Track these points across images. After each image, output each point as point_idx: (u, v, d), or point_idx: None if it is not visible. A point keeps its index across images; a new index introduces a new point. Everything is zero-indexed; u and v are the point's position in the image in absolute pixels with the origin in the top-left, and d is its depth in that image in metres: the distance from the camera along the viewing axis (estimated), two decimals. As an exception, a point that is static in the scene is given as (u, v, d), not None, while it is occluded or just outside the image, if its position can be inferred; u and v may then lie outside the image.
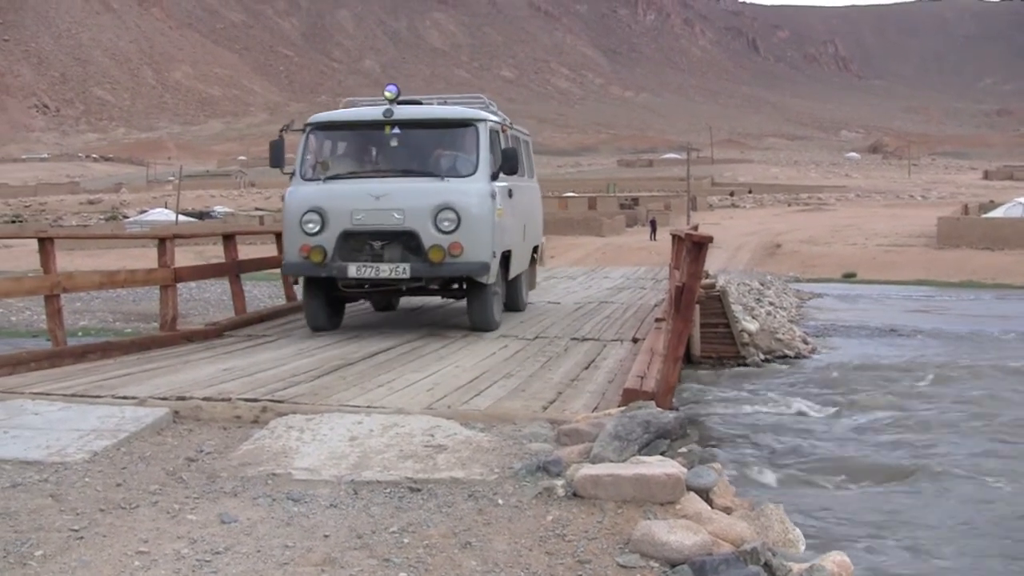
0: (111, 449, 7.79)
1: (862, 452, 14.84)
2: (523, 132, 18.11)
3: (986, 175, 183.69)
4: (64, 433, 8.10)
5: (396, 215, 13.80)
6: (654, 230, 76.02)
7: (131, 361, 12.27)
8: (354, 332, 14.89)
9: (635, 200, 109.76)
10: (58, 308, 12.81)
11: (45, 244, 12.83)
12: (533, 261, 18.83)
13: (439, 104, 16.14)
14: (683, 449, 7.82)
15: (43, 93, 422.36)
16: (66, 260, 17.68)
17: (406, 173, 14.53)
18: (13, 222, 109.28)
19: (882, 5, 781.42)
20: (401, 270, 13.78)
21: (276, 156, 15.38)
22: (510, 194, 15.22)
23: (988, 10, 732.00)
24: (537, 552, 5.74)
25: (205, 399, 9.32)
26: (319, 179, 14.59)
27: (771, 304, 34.19)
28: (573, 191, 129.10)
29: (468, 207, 13.85)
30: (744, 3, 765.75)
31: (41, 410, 8.86)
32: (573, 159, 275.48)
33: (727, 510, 6.82)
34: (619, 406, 8.74)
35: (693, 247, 9.14)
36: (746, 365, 24.14)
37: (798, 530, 6.97)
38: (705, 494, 6.77)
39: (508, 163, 14.59)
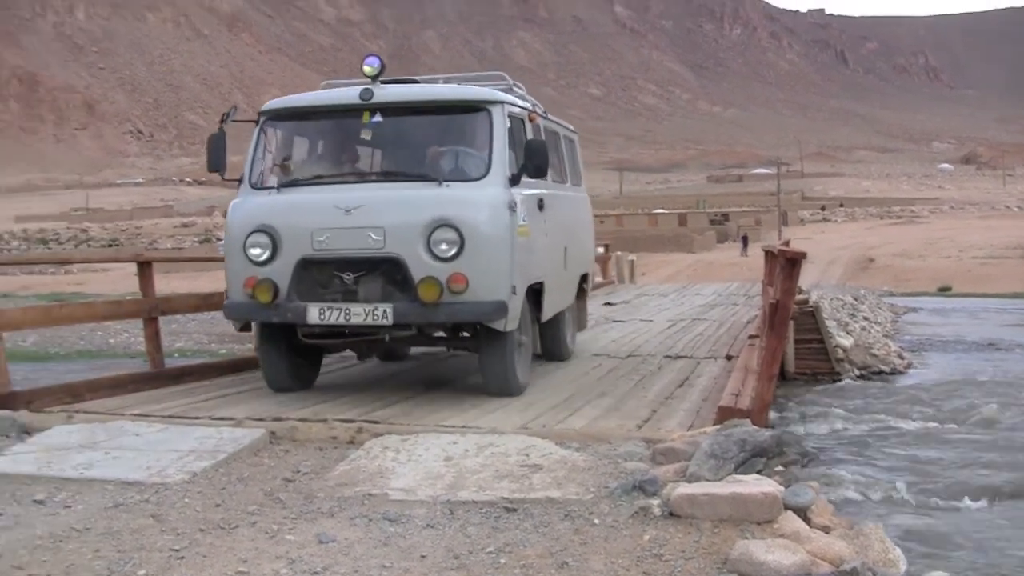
0: (210, 470, 7.87)
1: (962, 469, 14.60)
2: (565, 127, 14.42)
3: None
4: (164, 454, 8.20)
5: (373, 236, 10.00)
6: (745, 245, 75.77)
7: (227, 382, 12.39)
8: (450, 352, 14.88)
9: (725, 216, 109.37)
10: (156, 331, 12.95)
11: (144, 268, 12.98)
12: (582, 292, 14.58)
13: (443, 84, 12.34)
14: (779, 467, 7.75)
15: (137, 119, 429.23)
16: (162, 283, 17.90)
17: (390, 177, 11.01)
18: (110, 246, 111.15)
19: (972, 13, 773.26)
20: (381, 313, 9.99)
21: (214, 155, 11.39)
22: (540, 205, 11.39)
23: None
24: (634, 572, 5.71)
25: (301, 420, 9.37)
26: (273, 187, 10.90)
27: (865, 319, 33.81)
28: (663, 208, 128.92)
29: (475, 223, 10.01)
30: (831, 15, 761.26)
31: (141, 431, 8.97)
32: (662, 175, 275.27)
33: (825, 529, 6.74)
34: (714, 424, 8.68)
35: (786, 263, 9.07)
36: (841, 381, 23.88)
37: (898, 549, 6.86)
38: (803, 513, 6.69)
39: (535, 161, 10.60)
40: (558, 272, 12.54)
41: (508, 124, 10.78)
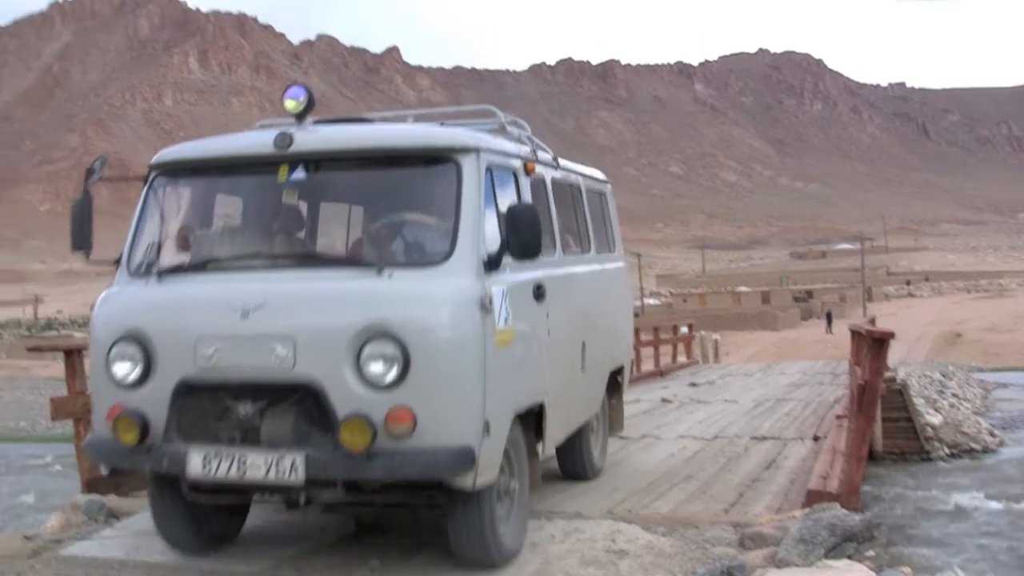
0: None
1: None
2: (591, 176, 11.28)
3: None
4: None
5: (280, 350, 6.96)
6: (830, 323, 75.16)
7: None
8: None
9: (809, 293, 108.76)
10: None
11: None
12: (615, 388, 11.41)
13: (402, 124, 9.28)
14: (870, 552, 7.66)
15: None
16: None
17: (310, 261, 8.04)
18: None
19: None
20: (288, 466, 6.83)
21: (78, 227, 8.28)
22: (540, 293, 8.19)
23: None
24: (725, 660, 5.66)
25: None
26: (152, 275, 7.80)
27: (954, 396, 33.37)
28: (746, 286, 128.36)
29: (427, 331, 6.90)
30: (912, 88, 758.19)
31: (229, 520, 9.02)
32: (744, 253, 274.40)
33: (919, 615, 6.65)
34: (803, 508, 8.61)
35: (874, 343, 9.02)
36: (931, 460, 23.54)
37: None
38: (895, 599, 6.62)
39: (522, 237, 7.32)
40: (571, 380, 9.22)
41: (487, 180, 7.59)
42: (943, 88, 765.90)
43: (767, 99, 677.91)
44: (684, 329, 34.35)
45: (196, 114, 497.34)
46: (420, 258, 7.26)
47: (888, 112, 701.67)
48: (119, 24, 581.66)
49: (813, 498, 8.76)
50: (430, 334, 6.73)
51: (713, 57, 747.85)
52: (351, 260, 7.70)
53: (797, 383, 23.78)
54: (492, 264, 7.22)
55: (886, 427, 23.56)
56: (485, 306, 7.00)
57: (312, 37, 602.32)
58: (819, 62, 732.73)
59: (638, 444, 13.63)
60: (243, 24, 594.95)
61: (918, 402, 26.06)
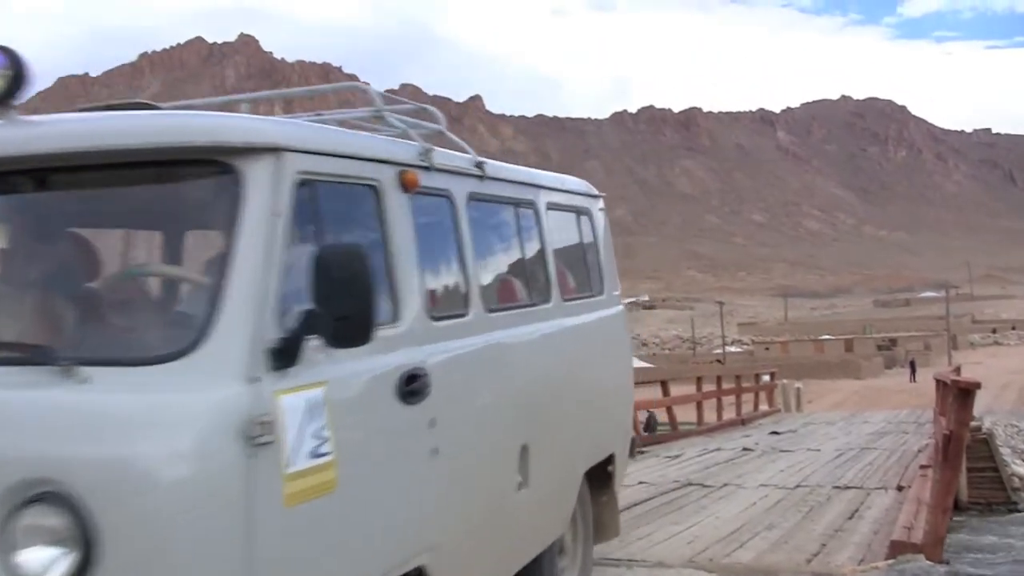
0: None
1: None
2: (564, 190, 8.22)
3: None
4: None
5: None
6: (914, 371, 74.47)
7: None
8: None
9: (892, 341, 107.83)
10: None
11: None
12: (606, 480, 8.14)
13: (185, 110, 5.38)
14: (956, 603, 7.58)
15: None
16: None
17: None
18: None
19: None
20: None
21: None
22: (411, 392, 4.85)
23: None
24: None
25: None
26: None
27: (1042, 446, 32.94)
28: (828, 334, 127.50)
29: (125, 493, 3.51)
30: (998, 134, 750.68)
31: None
32: (828, 301, 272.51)
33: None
34: (886, 559, 8.53)
35: (959, 393, 8.95)
36: (1018, 511, 23.21)
37: None
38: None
39: (339, 303, 3.99)
40: (495, 510, 5.98)
41: (300, 202, 4.32)
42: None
43: (850, 146, 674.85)
44: (766, 377, 34.15)
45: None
46: (143, 347, 4.10)
47: (974, 159, 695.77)
48: (206, 74, 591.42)
49: (897, 549, 8.67)
50: (132, 500, 3.53)
51: (795, 104, 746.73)
52: (27, 349, 4.21)
53: (880, 432, 23.55)
54: (286, 353, 4.00)
55: (971, 477, 23.23)
56: (254, 436, 3.77)
57: (396, 86, 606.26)
58: (903, 108, 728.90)
59: (719, 492, 13.56)
60: (328, 73, 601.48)
61: (1004, 452, 25.68)
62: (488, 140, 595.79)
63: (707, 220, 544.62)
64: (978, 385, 8.87)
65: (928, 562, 7.89)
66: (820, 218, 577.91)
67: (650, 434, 29.32)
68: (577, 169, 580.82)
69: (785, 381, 36.47)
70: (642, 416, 30.63)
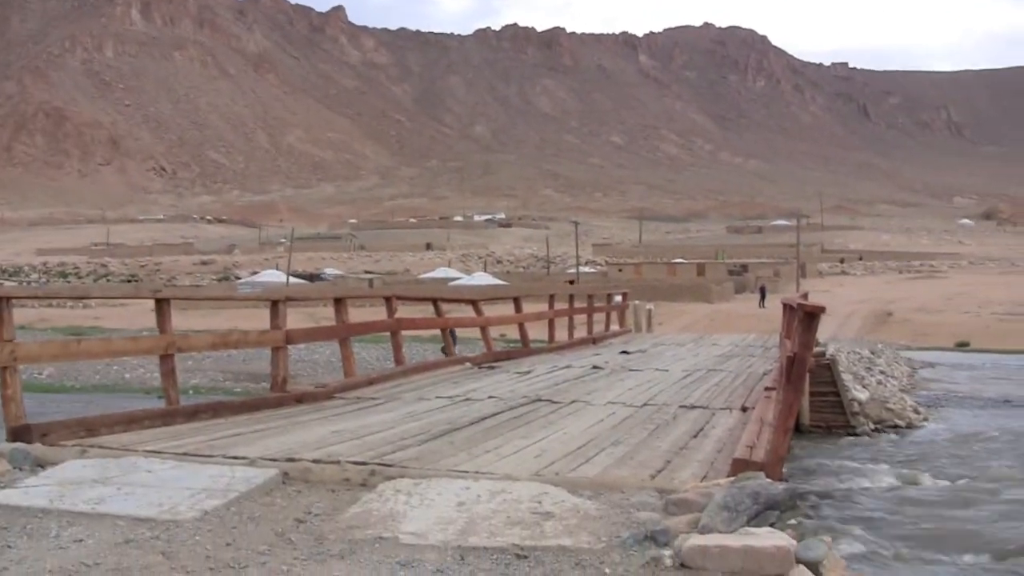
0: (221, 508, 7.84)
1: (975, 526, 14.52)
2: None
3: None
4: (176, 491, 8.19)
5: None
6: (763, 297, 75.69)
7: (242, 421, 12.35)
8: (463, 396, 14.89)
9: (744, 267, 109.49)
10: (172, 367, 12.94)
11: (162, 305, 12.99)
12: None
13: None
14: (792, 521, 7.72)
15: (160, 156, 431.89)
16: (179, 320, 17.97)
17: None
18: (129, 281, 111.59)
19: (995, 70, 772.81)
20: None
21: None
22: None
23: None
24: (645, 622, 5.69)
25: (314, 461, 9.34)
26: None
27: (882, 373, 33.78)
28: (681, 257, 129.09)
29: None
30: (855, 68, 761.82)
31: (154, 468, 8.96)
32: (682, 225, 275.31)
33: (838, 585, 6.71)
34: (728, 476, 8.65)
35: (805, 317, 9.06)
36: (856, 435, 23.82)
37: (910, 607, 6.83)
38: (815, 567, 6.65)
39: None
40: None
41: None
42: (885, 70, 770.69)
43: (710, 73, 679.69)
44: (618, 298, 34.48)
45: (137, 66, 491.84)
46: None
47: (830, 92, 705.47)
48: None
49: (738, 467, 8.79)
50: None
51: (658, 29, 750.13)
52: None
53: (728, 355, 23.94)
54: None
55: (813, 401, 23.82)
56: None
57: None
58: (764, 39, 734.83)
59: (568, 409, 13.68)
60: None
61: (846, 378, 26.34)
62: (349, 52, 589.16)
63: (566, 140, 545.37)
64: (823, 310, 8.99)
65: (768, 480, 8.01)
66: (678, 143, 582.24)
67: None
68: (438, 85, 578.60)
69: (637, 302, 36.85)
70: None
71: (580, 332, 29.36)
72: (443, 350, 31.15)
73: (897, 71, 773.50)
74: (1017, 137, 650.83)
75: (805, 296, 19.48)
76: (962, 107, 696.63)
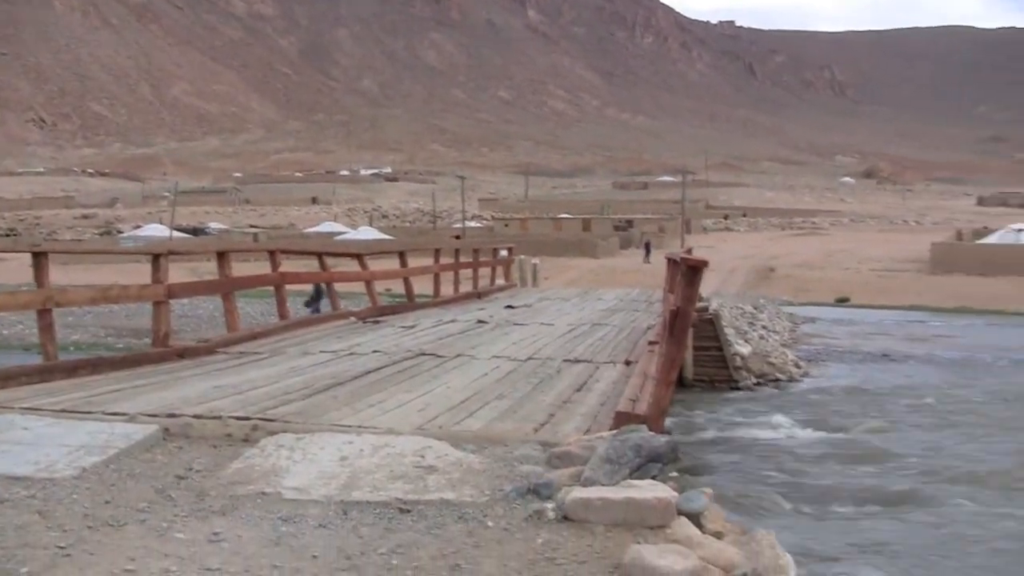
0: (100, 465, 7.72)
1: (853, 477, 14.82)
2: None
3: (980, 202, 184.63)
4: (53, 449, 8.04)
5: None
6: (648, 252, 76.20)
7: (122, 377, 12.15)
8: (347, 351, 14.81)
9: (630, 222, 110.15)
10: (50, 322, 12.73)
11: (40, 258, 12.76)
12: None
13: None
14: (674, 473, 7.78)
15: (40, 107, 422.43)
16: (60, 274, 17.63)
17: None
18: (8, 235, 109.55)
19: (879, 31, 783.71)
20: None
21: None
22: None
23: (984, 38, 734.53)
24: (526, 575, 5.69)
25: (195, 417, 9.25)
26: None
27: (764, 328, 34.25)
28: (568, 213, 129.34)
29: None
30: (741, 27, 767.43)
31: (31, 425, 8.79)
32: (568, 180, 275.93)
33: (718, 535, 6.76)
34: (611, 429, 8.66)
35: (688, 271, 9.10)
36: (738, 389, 24.18)
37: (789, 556, 6.91)
38: (696, 519, 6.72)
39: None
40: None
41: None
42: (771, 30, 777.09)
43: (599, 30, 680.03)
44: (504, 253, 34.50)
45: (14, 15, 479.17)
46: None
47: (717, 50, 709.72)
48: None
49: (621, 420, 8.83)
50: None
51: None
52: None
53: (613, 309, 24.06)
54: None
55: (697, 355, 24.12)
56: None
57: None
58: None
59: (452, 363, 13.68)
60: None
61: (729, 332, 26.70)
62: (235, 3, 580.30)
63: (453, 95, 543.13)
64: (705, 264, 9.04)
65: (650, 433, 8.06)
66: (565, 99, 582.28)
67: (314, 305, 29.64)
68: (325, 38, 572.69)
69: (522, 257, 36.92)
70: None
71: (466, 287, 29.36)
72: (307, 303, 31.11)
73: (783, 31, 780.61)
74: (898, 97, 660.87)
75: (689, 251, 19.64)
76: (846, 67, 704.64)
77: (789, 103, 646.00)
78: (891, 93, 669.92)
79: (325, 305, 29.66)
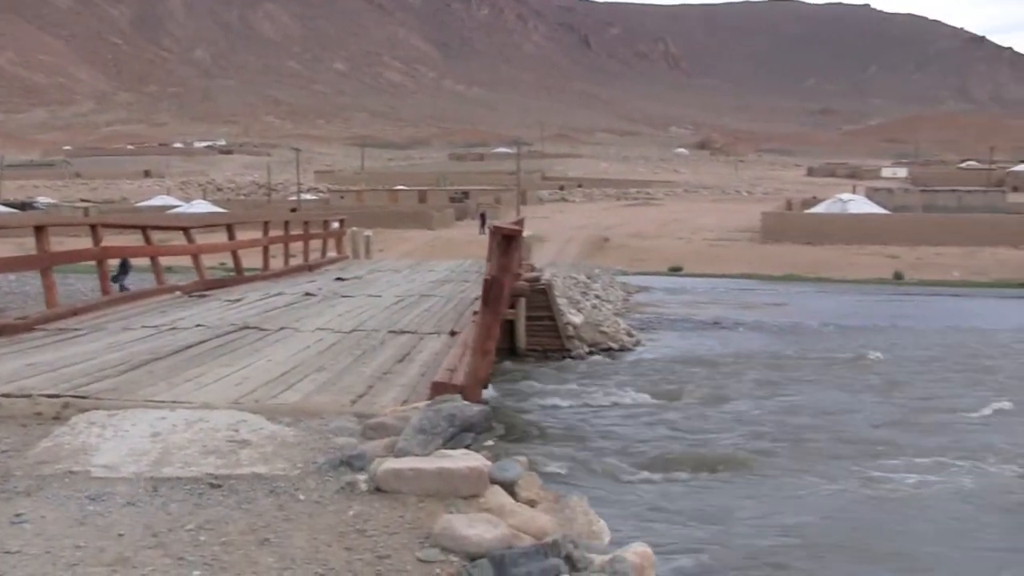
0: (-101, 447, 7.52)
1: (678, 443, 15.05)
2: None
3: (809, 172, 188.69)
4: None
5: None
6: (483, 223, 76.37)
7: (-70, 354, 11.83)
8: (168, 326, 14.58)
9: (465, 194, 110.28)
10: None
11: None
12: None
13: None
14: (489, 442, 7.82)
15: None
16: None
17: None
18: None
19: (711, 5, 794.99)
20: None
21: None
22: None
23: (812, 13, 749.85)
24: (336, 548, 5.68)
25: (4, 396, 9.03)
26: None
27: (597, 297, 34.56)
28: (404, 185, 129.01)
29: None
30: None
31: None
32: (404, 152, 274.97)
33: (532, 503, 6.82)
34: (428, 400, 8.70)
35: (503, 240, 9.14)
36: (571, 358, 24.39)
37: (603, 521, 7.00)
38: (509, 487, 6.76)
39: None
40: None
41: None
42: (606, 2, 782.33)
43: (435, 2, 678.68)
44: (335, 224, 34.30)
45: None
46: None
47: (553, 22, 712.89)
48: None
49: (438, 390, 8.86)
50: None
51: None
52: None
53: (443, 280, 24.06)
54: None
55: (530, 325, 24.29)
56: None
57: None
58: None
59: (275, 336, 13.57)
60: None
61: (561, 302, 26.89)
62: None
63: (289, 66, 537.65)
64: (519, 232, 9.10)
65: (465, 402, 8.09)
66: (402, 70, 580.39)
67: (121, 279, 29.29)
68: (157, 7, 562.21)
69: (355, 229, 36.74)
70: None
71: (296, 260, 29.18)
72: (114, 279, 30.58)
73: (618, 3, 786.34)
74: (730, 70, 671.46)
75: (521, 222, 19.72)
76: (679, 40, 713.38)
77: (624, 75, 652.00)
78: (724, 66, 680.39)
79: (131, 280, 29.27)
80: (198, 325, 14.64)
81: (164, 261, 22.18)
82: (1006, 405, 19.31)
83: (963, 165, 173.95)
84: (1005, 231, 65.64)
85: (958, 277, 55.37)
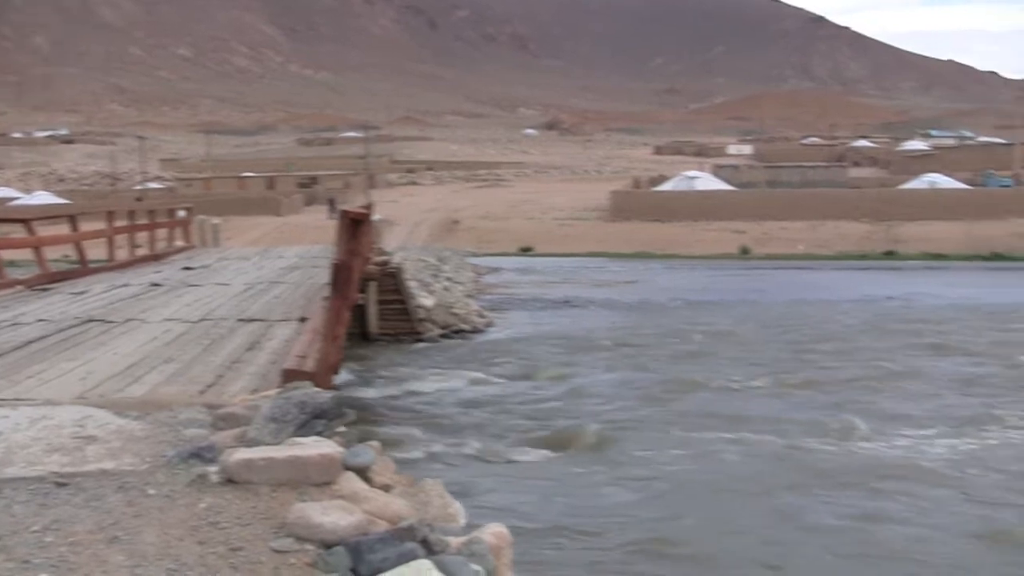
0: None
1: (531, 422, 15.14)
2: None
3: (657, 150, 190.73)
4: None
5: None
6: (332, 208, 76.02)
7: None
8: (9, 321, 14.21)
9: (314, 179, 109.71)
10: None
11: None
12: None
13: None
14: (341, 428, 7.76)
15: None
16: None
17: None
18: None
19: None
20: None
21: None
22: None
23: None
24: (188, 542, 5.60)
25: None
26: None
27: (448, 279, 34.58)
28: (251, 171, 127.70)
29: None
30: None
31: None
32: (252, 138, 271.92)
33: (386, 488, 6.81)
34: (278, 388, 8.61)
35: (349, 224, 9.10)
36: (424, 341, 24.38)
37: (458, 504, 7.02)
38: (363, 473, 6.75)
39: None
40: None
41: None
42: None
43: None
44: (182, 213, 33.84)
45: None
46: None
47: (399, 4, 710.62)
48: None
49: (289, 377, 8.80)
50: None
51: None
52: None
53: (292, 266, 23.87)
54: None
55: (382, 309, 24.24)
56: None
57: None
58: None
59: (121, 328, 13.32)
60: None
61: (412, 285, 26.85)
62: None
63: (131, 53, 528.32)
64: (365, 215, 9.06)
65: (316, 389, 8.03)
66: (248, 55, 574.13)
67: None
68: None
69: (202, 217, 36.27)
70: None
71: (147, 251, 28.74)
72: None
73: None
74: (577, 51, 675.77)
75: (370, 206, 19.63)
76: (527, 22, 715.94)
77: (472, 57, 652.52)
78: (571, 47, 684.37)
79: None
80: (40, 320, 14.30)
81: (5, 255, 21.60)
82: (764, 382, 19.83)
83: (806, 141, 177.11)
84: (847, 205, 67.05)
85: (803, 250, 56.56)
